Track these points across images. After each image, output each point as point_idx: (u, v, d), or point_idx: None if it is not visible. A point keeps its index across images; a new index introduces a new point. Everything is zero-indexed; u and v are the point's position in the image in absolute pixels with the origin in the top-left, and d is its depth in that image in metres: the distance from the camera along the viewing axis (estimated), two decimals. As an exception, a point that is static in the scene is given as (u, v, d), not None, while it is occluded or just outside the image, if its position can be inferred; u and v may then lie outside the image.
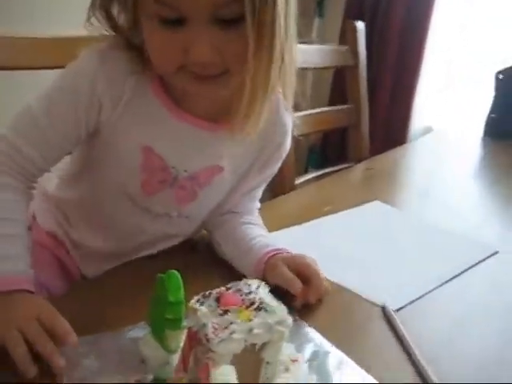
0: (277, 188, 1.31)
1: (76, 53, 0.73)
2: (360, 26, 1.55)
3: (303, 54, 1.40)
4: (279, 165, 0.91)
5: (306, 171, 2.92)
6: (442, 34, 2.66)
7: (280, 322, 0.54)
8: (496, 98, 2.11)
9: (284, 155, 0.89)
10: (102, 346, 0.61)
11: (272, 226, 0.98)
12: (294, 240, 0.95)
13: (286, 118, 0.85)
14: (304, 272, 0.76)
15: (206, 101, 0.76)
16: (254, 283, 0.58)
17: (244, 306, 0.54)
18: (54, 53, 0.90)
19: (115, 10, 0.71)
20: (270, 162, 0.88)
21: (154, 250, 0.85)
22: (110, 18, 0.71)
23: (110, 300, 0.73)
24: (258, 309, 0.54)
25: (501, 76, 2.12)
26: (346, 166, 1.58)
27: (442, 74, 2.74)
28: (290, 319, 0.55)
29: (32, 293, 0.65)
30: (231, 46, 0.65)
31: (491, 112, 2.11)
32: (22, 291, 0.64)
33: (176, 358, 0.59)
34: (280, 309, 0.55)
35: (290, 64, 0.71)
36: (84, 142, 0.77)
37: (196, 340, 0.55)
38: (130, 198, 0.80)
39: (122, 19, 0.71)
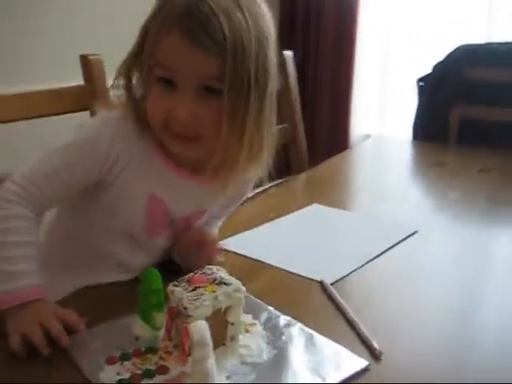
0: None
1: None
2: (287, 54, 1.77)
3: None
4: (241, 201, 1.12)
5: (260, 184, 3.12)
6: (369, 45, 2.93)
7: (237, 290, 0.73)
8: (419, 104, 2.35)
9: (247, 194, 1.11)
10: (103, 333, 0.78)
11: (226, 233, 1.18)
12: (245, 242, 1.15)
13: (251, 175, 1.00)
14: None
15: (193, 160, 0.93)
16: (214, 267, 0.77)
17: (209, 283, 0.73)
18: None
19: (135, 78, 0.89)
20: (237, 202, 1.10)
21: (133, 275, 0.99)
22: (128, 87, 0.89)
23: (102, 307, 0.89)
24: (220, 283, 0.73)
25: (421, 83, 2.36)
26: (287, 179, 1.78)
27: (375, 85, 3.01)
28: (243, 288, 0.74)
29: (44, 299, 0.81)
30: (207, 114, 0.83)
31: (416, 117, 2.35)
32: (37, 300, 0.80)
33: (161, 333, 0.77)
34: (235, 282, 0.74)
35: (266, 138, 0.88)
36: (87, 193, 0.91)
37: (175, 314, 0.73)
38: (133, 239, 0.95)
39: (137, 88, 0.89)
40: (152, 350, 0.74)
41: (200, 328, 0.64)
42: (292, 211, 1.33)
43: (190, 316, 0.69)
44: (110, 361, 0.72)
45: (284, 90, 1.77)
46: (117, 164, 0.88)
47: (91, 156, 0.87)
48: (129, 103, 0.90)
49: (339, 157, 1.96)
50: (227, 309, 0.73)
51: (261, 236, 1.19)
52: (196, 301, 0.70)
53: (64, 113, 1.07)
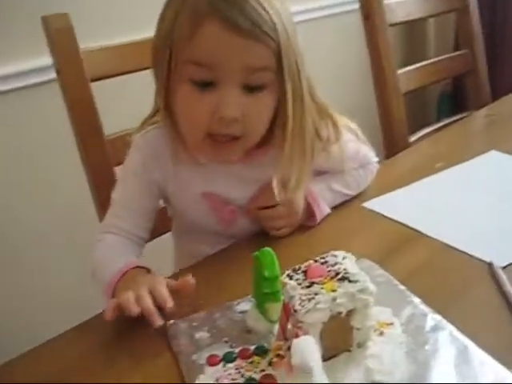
0: (390, 147, 1.30)
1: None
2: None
3: (406, 7, 1.36)
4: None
5: (438, 119, 2.81)
6: None
7: (362, 291, 0.56)
8: None
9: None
10: (213, 320, 0.68)
11: (382, 189, 1.00)
12: (400, 203, 0.96)
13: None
14: None
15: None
16: (341, 254, 0.62)
17: (329, 277, 0.58)
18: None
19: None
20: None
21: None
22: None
23: (216, 280, 0.79)
24: (342, 279, 0.57)
25: None
26: (467, 114, 1.52)
27: None
28: (372, 287, 0.57)
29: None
30: (252, 110, 0.77)
31: None
32: (133, 269, 0.77)
33: (276, 327, 0.64)
34: (363, 278, 0.58)
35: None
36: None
37: (290, 310, 0.60)
38: (216, 233, 0.93)
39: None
40: (262, 350, 0.62)
41: (302, 348, 0.50)
42: (464, 160, 1.10)
43: (300, 322, 0.55)
44: (212, 361, 0.61)
45: (462, 10, 1.47)
46: (159, 179, 0.88)
47: (136, 180, 0.89)
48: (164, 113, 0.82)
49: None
50: (350, 312, 0.57)
51: (420, 195, 0.99)
52: (309, 302, 0.55)
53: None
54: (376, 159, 1.02)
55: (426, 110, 2.90)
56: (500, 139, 1.20)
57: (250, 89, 0.76)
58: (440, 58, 1.48)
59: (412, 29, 2.67)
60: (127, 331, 0.70)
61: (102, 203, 1.01)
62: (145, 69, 1.02)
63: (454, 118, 1.52)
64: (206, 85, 0.75)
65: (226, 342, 0.64)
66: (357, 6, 1.28)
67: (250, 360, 0.61)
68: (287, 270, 0.62)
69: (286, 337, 0.61)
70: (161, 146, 0.86)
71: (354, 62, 2.21)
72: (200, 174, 0.87)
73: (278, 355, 0.61)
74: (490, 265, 0.76)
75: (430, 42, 2.71)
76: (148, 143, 0.88)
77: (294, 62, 0.77)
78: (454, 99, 2.80)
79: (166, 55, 0.76)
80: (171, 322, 0.68)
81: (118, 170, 0.99)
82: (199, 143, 0.80)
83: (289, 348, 0.59)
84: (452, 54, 1.54)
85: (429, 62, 1.46)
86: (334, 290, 0.56)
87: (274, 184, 0.84)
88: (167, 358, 0.65)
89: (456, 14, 1.58)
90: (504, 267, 0.75)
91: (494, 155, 1.12)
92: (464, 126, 1.38)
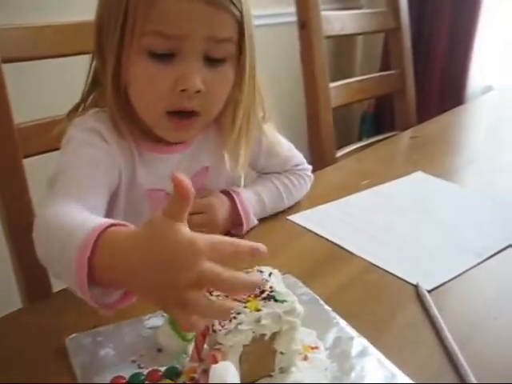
0: (316, 161, 1.28)
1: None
2: (401, -15, 1.47)
3: (342, 21, 1.35)
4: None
5: (359, 139, 2.86)
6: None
7: (289, 312, 0.52)
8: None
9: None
10: (120, 336, 0.61)
11: (308, 203, 0.97)
12: (325, 218, 0.92)
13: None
14: None
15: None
16: (267, 270, 0.57)
17: (253, 295, 0.53)
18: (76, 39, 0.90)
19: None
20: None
21: None
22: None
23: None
24: (268, 298, 0.52)
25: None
26: (392, 134, 1.52)
27: (503, 26, 2.57)
28: (300, 308, 0.53)
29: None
30: (214, 83, 0.73)
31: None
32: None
33: (191, 348, 0.58)
34: (290, 297, 0.53)
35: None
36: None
37: (208, 329, 0.54)
38: None
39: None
40: (174, 372, 0.55)
41: (222, 376, 0.44)
42: (390, 180, 1.09)
43: (219, 343, 0.50)
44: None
45: (394, 30, 1.48)
46: (121, 166, 0.77)
47: (92, 149, 0.74)
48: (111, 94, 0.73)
49: (453, 113, 1.65)
50: (274, 334, 0.52)
51: (347, 211, 0.96)
52: (230, 322, 0.50)
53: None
54: (309, 167, 0.98)
55: (348, 129, 2.94)
56: (426, 161, 1.20)
57: (212, 61, 0.72)
58: (371, 75, 1.48)
59: (339, 46, 2.70)
60: (18, 346, 0.61)
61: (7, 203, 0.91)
62: (63, 55, 0.95)
63: (380, 138, 1.52)
64: (165, 56, 0.70)
65: (134, 361, 0.58)
66: (293, 18, 1.25)
67: (160, 383, 0.54)
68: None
69: (201, 358, 0.56)
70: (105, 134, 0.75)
71: (284, 74, 2.19)
72: (143, 165, 0.79)
73: (192, 378, 0.54)
74: (416, 287, 0.74)
75: (357, 61, 2.75)
76: (101, 122, 0.75)
77: (252, 35, 0.75)
78: (376, 119, 2.85)
79: (118, 27, 0.69)
80: (72, 336, 0.61)
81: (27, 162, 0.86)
82: (159, 120, 0.75)
83: (204, 371, 0.53)
84: (383, 73, 1.55)
85: (360, 78, 1.46)
86: (258, 310, 0.51)
87: (226, 159, 0.82)
88: (66, 380, 0.57)
89: (387, 34, 1.60)
90: (430, 290, 0.73)
91: (420, 176, 1.11)
92: (391, 145, 1.38)
